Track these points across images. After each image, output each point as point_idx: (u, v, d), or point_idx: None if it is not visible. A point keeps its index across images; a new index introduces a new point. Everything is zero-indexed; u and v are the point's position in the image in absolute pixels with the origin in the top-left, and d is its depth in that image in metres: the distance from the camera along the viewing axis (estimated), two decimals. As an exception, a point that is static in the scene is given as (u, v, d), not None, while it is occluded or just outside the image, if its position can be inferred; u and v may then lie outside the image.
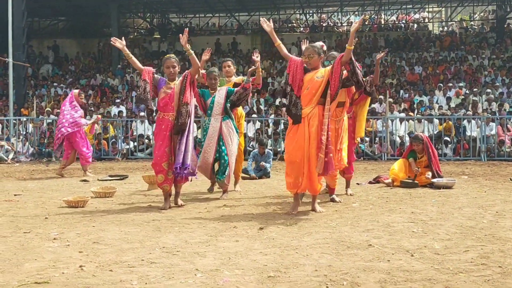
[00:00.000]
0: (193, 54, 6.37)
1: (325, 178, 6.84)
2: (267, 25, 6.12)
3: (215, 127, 7.22)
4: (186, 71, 6.50)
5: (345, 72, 6.05)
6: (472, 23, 30.60)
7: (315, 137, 5.79)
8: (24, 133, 16.12)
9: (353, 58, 5.96)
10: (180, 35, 6.39)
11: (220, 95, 7.29)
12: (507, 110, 16.58)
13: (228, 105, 7.31)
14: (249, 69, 7.60)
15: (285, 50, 6.17)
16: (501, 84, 19.26)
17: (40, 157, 15.04)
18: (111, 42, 6.58)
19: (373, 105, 16.83)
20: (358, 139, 7.86)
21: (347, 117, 6.97)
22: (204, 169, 7.27)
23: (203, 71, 7.52)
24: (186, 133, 6.37)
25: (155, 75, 6.46)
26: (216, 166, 7.44)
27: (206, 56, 7.44)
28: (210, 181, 7.66)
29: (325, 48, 6.14)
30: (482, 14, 31.25)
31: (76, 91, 11.22)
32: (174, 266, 3.79)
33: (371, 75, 7.21)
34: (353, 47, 5.84)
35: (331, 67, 5.86)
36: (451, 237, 4.66)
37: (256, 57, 7.48)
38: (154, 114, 6.78)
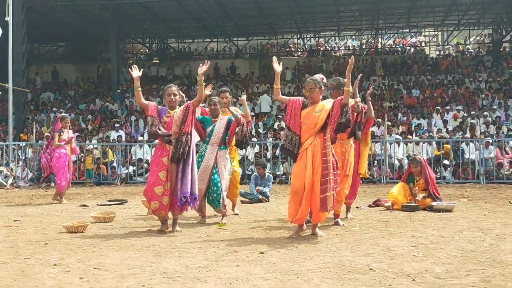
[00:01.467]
0: (203, 86, 6.52)
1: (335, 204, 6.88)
2: (278, 66, 6.22)
3: (211, 156, 7.17)
4: (189, 101, 6.60)
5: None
6: (468, 46, 30.90)
7: (320, 166, 5.84)
8: (23, 158, 16.13)
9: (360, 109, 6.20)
10: (201, 64, 6.54)
11: (220, 124, 7.28)
12: (505, 133, 16.65)
13: (227, 137, 7.33)
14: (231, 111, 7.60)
15: (280, 95, 6.29)
16: (498, 107, 19.38)
17: (39, 182, 15.01)
18: (129, 69, 6.64)
19: (371, 128, 16.88)
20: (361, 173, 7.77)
21: (352, 141, 7.00)
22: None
23: (202, 105, 7.62)
24: (190, 162, 6.42)
25: (158, 107, 6.56)
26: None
27: (208, 90, 7.53)
28: (199, 214, 7.36)
29: (325, 80, 6.25)
30: (478, 37, 31.60)
31: (60, 115, 11.29)
32: (175, 292, 3.78)
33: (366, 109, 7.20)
34: (351, 88, 5.92)
35: (331, 105, 5.92)
36: (452, 260, 4.66)
37: (243, 96, 7.61)
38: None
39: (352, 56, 6.22)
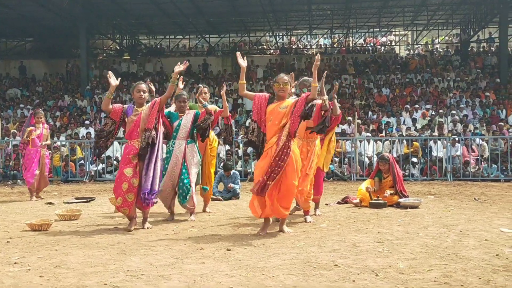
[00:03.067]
0: (175, 84, 6.51)
1: (298, 202, 6.90)
2: (243, 61, 6.21)
3: (180, 151, 7.11)
4: (156, 98, 6.54)
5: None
6: (437, 46, 31.38)
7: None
8: (-11, 155, 15.74)
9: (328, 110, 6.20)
10: (179, 63, 6.58)
11: (187, 118, 7.23)
12: (472, 131, 16.97)
13: (195, 131, 7.28)
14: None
15: (245, 90, 6.27)
16: (466, 106, 19.73)
17: (5, 179, 14.71)
18: (107, 74, 6.54)
19: (342, 126, 17.05)
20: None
21: (319, 139, 7.02)
22: (165, 195, 7.08)
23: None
24: (154, 158, 6.37)
25: (124, 107, 6.50)
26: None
27: (180, 82, 7.57)
28: (168, 211, 7.35)
29: (293, 90, 6.31)
30: (446, 37, 32.11)
31: (34, 110, 11.12)
32: (137, 290, 3.73)
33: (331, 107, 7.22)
34: (317, 84, 5.95)
35: (294, 101, 5.94)
36: (415, 256, 4.71)
37: (222, 89, 7.65)
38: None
39: (319, 53, 6.26)
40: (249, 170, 14.58)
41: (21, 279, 4.03)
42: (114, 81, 6.42)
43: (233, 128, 17.92)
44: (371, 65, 26.46)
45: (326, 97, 6.71)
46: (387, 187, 8.62)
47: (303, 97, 5.91)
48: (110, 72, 6.60)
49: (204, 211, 8.07)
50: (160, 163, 6.51)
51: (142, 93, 6.47)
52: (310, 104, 5.86)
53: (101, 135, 6.49)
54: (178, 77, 6.53)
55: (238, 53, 6.31)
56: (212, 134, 8.12)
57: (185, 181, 7.04)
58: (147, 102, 6.59)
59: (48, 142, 11.21)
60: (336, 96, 7.38)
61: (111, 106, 6.45)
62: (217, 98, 20.54)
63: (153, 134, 6.32)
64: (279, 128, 5.93)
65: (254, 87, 23.05)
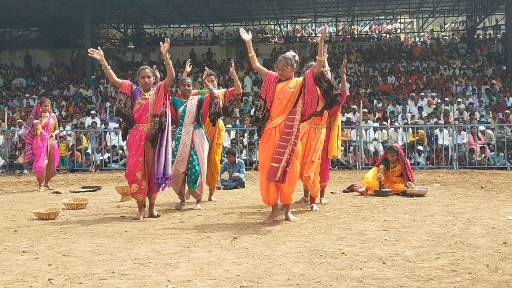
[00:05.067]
0: (171, 64, 6.37)
1: (309, 188, 6.90)
2: (246, 35, 6.16)
3: (187, 137, 7.12)
4: (160, 82, 6.51)
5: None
6: (443, 33, 31.16)
7: (279, 137, 5.86)
8: (-5, 145, 15.81)
9: (330, 78, 6.06)
10: (161, 43, 6.39)
11: (192, 104, 7.21)
12: (478, 119, 16.88)
13: (201, 116, 7.27)
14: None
15: (257, 63, 6.24)
16: (472, 94, 19.62)
17: (12, 169, 14.78)
18: (89, 53, 6.46)
19: (347, 115, 17.01)
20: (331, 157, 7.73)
21: (325, 128, 7.00)
22: (175, 181, 7.09)
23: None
24: (164, 143, 6.38)
25: (133, 87, 6.46)
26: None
27: (188, 68, 7.66)
28: (179, 197, 7.39)
29: (297, 58, 6.20)
30: (452, 25, 31.88)
31: (40, 99, 11.12)
32: (145, 278, 3.75)
33: (339, 85, 7.24)
34: (323, 57, 5.92)
35: (302, 80, 5.92)
36: (422, 244, 4.71)
37: (231, 66, 7.62)
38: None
39: (326, 26, 6.22)
40: (254, 159, 14.58)
41: (30, 267, 4.06)
42: (98, 54, 6.35)
43: (238, 116, 17.96)
44: (357, 54, 26.29)
45: (328, 67, 6.67)
46: (395, 176, 8.60)
47: (309, 75, 5.88)
48: (90, 49, 6.48)
49: (209, 199, 8.08)
50: (170, 147, 6.52)
51: (146, 78, 6.41)
52: (322, 77, 5.81)
53: (122, 115, 6.44)
54: (169, 56, 6.45)
55: (241, 29, 6.28)
56: (221, 123, 8.12)
57: (197, 167, 7.05)
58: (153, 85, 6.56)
59: (57, 131, 11.16)
60: (345, 71, 7.30)
61: (120, 80, 6.45)
62: (221, 87, 20.49)
63: (162, 119, 6.32)
64: (286, 106, 5.90)
65: (258, 76, 22.97)
